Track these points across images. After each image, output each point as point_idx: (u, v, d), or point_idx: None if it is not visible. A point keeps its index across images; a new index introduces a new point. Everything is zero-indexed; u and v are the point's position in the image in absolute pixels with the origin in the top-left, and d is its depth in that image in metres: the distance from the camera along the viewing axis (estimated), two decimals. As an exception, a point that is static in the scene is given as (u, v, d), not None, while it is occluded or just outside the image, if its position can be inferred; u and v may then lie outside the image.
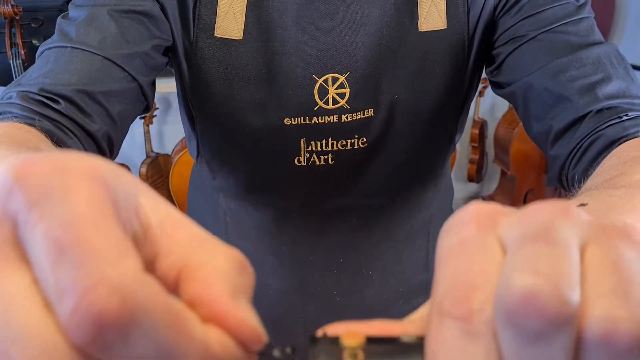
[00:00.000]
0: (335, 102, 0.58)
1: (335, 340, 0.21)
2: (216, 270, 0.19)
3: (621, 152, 0.44)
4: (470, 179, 2.39)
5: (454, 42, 0.58)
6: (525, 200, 2.35)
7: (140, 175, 1.93)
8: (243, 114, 0.59)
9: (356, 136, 0.59)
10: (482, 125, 2.28)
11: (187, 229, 0.19)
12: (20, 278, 0.17)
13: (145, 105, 0.57)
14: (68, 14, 0.54)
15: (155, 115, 2.06)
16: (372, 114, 0.59)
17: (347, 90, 0.58)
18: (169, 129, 2.20)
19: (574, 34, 0.52)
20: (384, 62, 0.58)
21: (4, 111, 0.45)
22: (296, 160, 0.61)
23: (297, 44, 0.57)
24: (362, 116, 0.59)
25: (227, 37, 0.57)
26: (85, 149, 0.48)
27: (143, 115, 1.61)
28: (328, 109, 0.58)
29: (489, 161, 2.39)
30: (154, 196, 0.20)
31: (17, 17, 1.68)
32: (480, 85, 0.96)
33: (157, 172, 1.96)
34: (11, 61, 1.67)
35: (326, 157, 0.60)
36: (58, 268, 0.16)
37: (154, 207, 0.19)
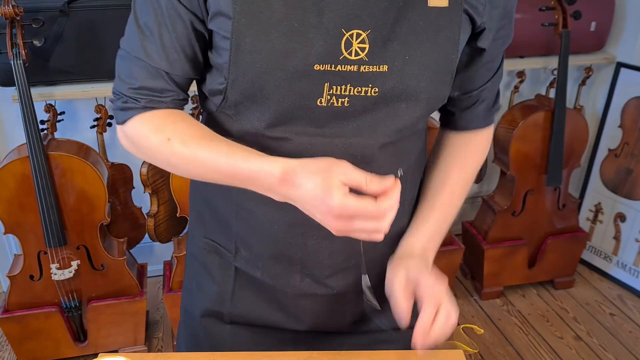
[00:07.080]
0: (357, 54, 0.70)
1: None
2: None
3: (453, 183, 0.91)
4: (470, 179, 2.39)
5: (451, 18, 0.73)
6: (525, 201, 2.35)
7: (141, 175, 1.94)
8: (278, 61, 0.70)
9: (370, 85, 0.73)
10: (482, 126, 2.29)
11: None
12: None
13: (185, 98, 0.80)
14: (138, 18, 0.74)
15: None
16: (386, 69, 0.72)
17: (367, 46, 0.70)
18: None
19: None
20: (398, 26, 0.71)
21: (147, 105, 0.75)
22: (318, 101, 0.73)
23: (331, 2, 0.69)
24: (377, 70, 0.72)
25: None
26: None
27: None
28: (351, 60, 0.71)
29: (488, 161, 2.39)
30: None
31: (18, 18, 1.68)
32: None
33: (158, 172, 1.96)
34: (12, 61, 1.67)
35: (343, 100, 0.73)
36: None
37: None
